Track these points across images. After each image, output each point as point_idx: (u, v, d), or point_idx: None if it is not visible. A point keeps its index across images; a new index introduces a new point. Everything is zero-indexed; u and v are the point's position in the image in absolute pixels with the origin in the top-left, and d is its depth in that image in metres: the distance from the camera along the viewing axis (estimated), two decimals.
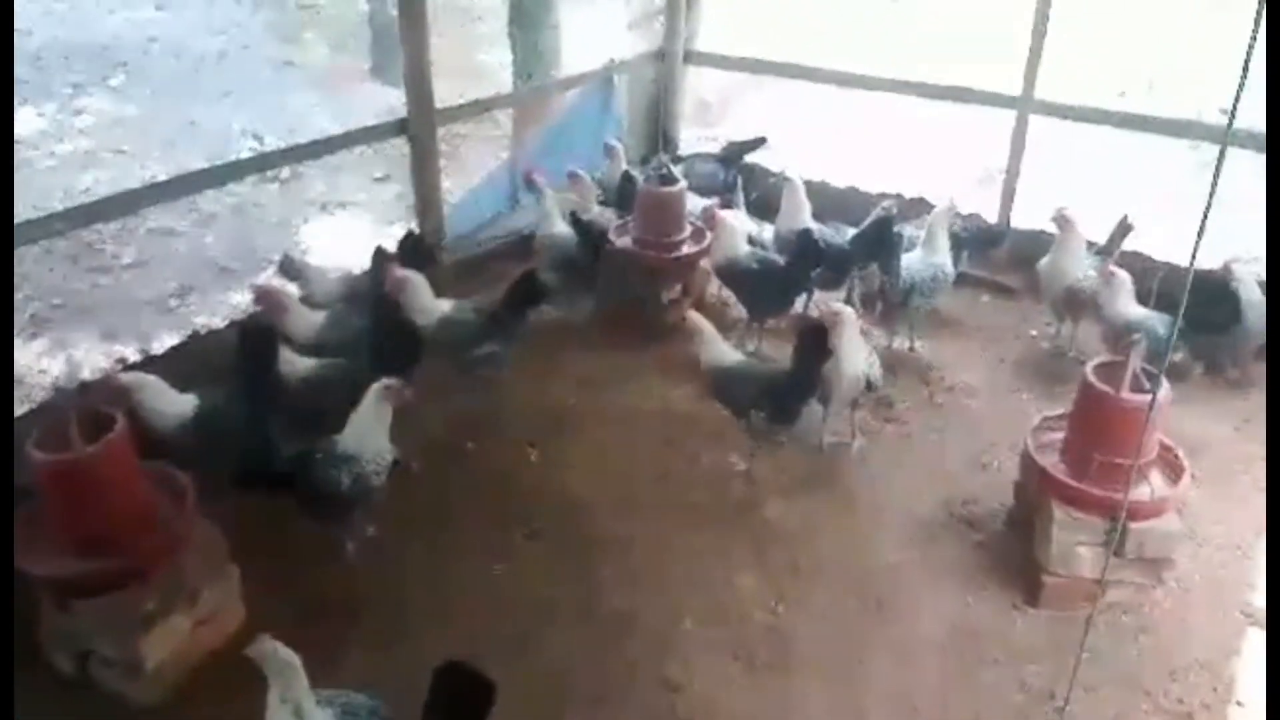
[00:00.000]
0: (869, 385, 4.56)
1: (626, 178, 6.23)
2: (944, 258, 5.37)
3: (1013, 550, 4.11)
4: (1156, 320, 4.83)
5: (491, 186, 6.62)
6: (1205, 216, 1.73)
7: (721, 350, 4.69)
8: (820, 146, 7.89)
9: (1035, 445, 3.98)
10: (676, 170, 6.74)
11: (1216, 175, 1.76)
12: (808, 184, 6.04)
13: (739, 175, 6.58)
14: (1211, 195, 1.74)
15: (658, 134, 7.53)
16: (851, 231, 5.65)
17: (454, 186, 7.28)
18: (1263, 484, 4.58)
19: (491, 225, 6.39)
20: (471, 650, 3.53)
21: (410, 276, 4.76)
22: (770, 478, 4.60)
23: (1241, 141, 4.87)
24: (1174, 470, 3.86)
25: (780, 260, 5.42)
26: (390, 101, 9.64)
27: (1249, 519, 4.37)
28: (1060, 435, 4.01)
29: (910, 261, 5.32)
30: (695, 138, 8.46)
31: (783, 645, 3.71)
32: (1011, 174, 5.99)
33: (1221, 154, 1.73)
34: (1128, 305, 5.02)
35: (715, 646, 3.69)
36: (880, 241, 5.36)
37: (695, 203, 6.25)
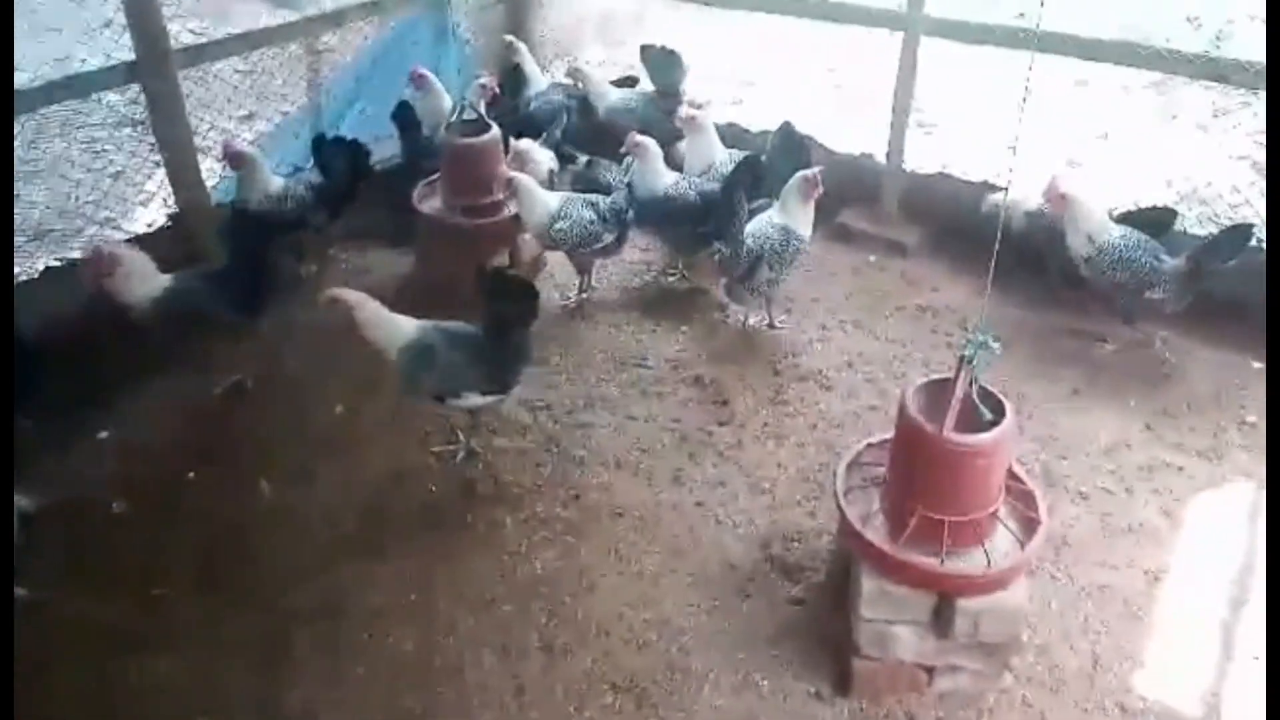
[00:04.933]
0: None
1: None
2: (797, 221, 4.34)
3: (831, 612, 3.19)
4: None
5: (282, 139, 5.49)
6: None
7: (396, 323, 3.66)
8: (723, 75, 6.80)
9: (847, 486, 3.01)
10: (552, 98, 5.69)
11: None
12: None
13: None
14: None
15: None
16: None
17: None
18: (1171, 508, 3.63)
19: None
20: None
21: None
22: (553, 512, 3.68)
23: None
24: (1026, 520, 2.90)
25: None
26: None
27: (1151, 559, 3.43)
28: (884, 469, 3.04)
29: (757, 226, 4.31)
30: (606, 58, 7.44)
31: None
32: (901, 104, 4.89)
33: None
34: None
35: None
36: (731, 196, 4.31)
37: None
